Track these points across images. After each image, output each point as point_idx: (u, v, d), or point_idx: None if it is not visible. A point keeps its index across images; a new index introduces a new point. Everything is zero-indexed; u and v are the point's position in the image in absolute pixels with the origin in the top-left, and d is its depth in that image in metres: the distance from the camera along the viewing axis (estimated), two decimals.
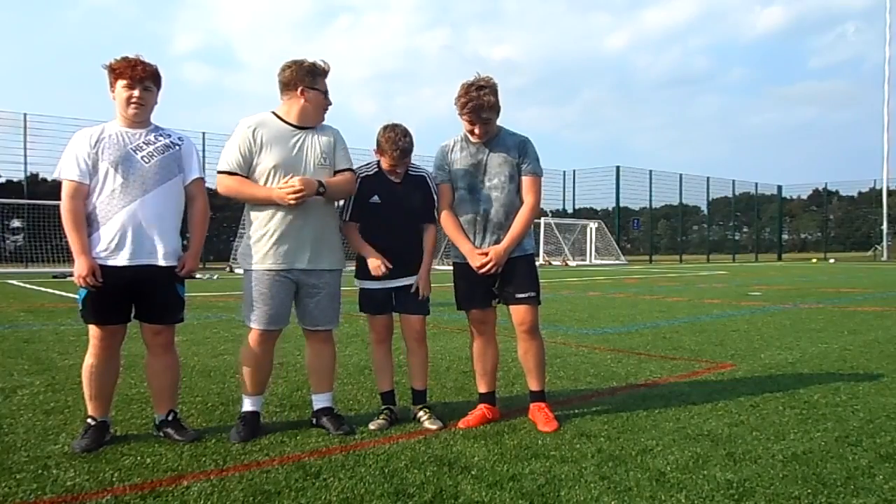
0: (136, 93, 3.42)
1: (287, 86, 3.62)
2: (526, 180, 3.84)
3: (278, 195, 3.48)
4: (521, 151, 3.83)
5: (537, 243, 31.28)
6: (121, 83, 3.42)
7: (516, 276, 3.82)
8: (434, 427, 3.69)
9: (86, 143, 3.38)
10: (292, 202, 3.47)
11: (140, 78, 3.42)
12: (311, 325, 3.74)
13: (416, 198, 3.84)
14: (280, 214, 3.55)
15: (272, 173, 3.53)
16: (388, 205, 3.79)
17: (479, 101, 3.65)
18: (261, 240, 3.57)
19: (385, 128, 3.79)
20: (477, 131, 3.75)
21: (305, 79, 3.60)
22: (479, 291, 3.86)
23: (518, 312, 3.85)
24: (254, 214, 3.62)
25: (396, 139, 3.72)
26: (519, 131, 3.93)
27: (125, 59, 3.44)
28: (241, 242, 3.78)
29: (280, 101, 3.68)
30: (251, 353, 3.64)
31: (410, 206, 3.83)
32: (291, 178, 3.49)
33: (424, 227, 3.91)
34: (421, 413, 3.83)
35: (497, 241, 3.79)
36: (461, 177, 3.84)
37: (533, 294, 3.85)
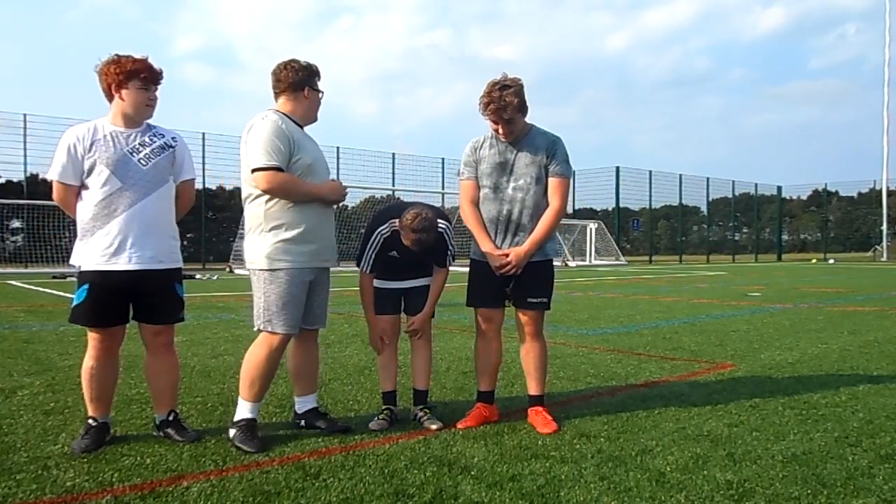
0: (152, 95, 3.44)
1: (295, 86, 3.58)
2: (553, 182, 3.78)
3: (333, 191, 3.59)
4: (550, 152, 3.77)
5: None
6: (135, 83, 3.37)
7: (532, 280, 3.80)
8: (434, 427, 3.69)
9: (78, 145, 3.34)
10: (344, 199, 3.65)
11: (157, 79, 3.45)
12: (311, 324, 3.69)
13: (432, 250, 3.80)
14: (317, 213, 3.54)
15: (307, 171, 3.49)
16: (405, 258, 3.83)
17: (501, 102, 3.60)
18: (297, 238, 3.45)
19: (416, 217, 3.64)
20: (501, 131, 3.72)
21: (312, 81, 3.63)
22: (491, 290, 3.86)
23: (525, 315, 3.85)
24: (285, 212, 3.44)
25: (420, 237, 3.64)
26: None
27: (136, 59, 3.39)
28: (248, 241, 3.57)
29: (279, 101, 3.62)
30: (272, 360, 3.49)
31: (427, 258, 3.87)
32: (334, 181, 3.65)
33: (435, 269, 3.94)
34: (421, 413, 3.83)
35: (519, 243, 3.77)
36: (487, 175, 3.81)
37: (545, 300, 3.85)
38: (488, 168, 3.81)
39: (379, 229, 3.81)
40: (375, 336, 3.95)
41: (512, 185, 3.78)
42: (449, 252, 3.90)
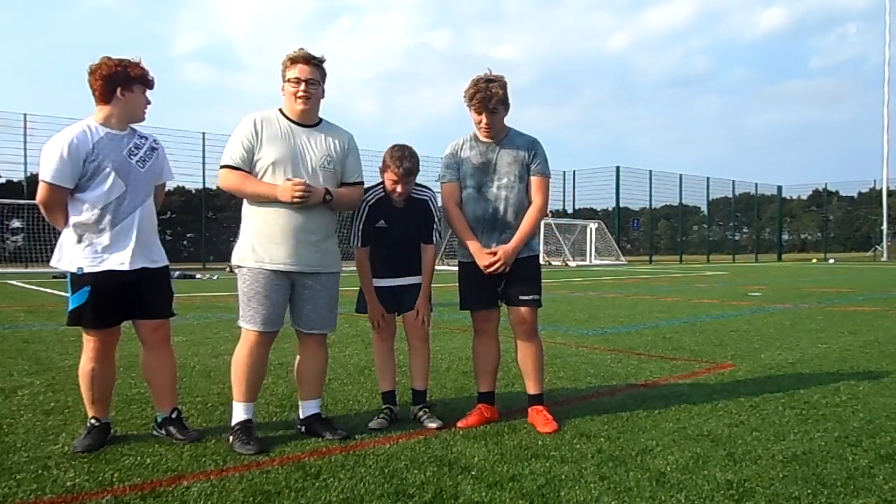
0: (148, 99, 3.49)
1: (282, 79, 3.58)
2: (534, 180, 3.84)
3: (283, 192, 3.39)
4: (531, 152, 3.83)
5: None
6: (139, 87, 3.42)
7: (521, 277, 3.82)
8: (434, 426, 3.69)
9: (80, 147, 3.28)
10: (297, 200, 3.38)
11: (153, 85, 3.49)
12: (306, 328, 3.64)
13: (418, 219, 3.87)
14: (280, 213, 3.45)
15: (271, 169, 3.46)
16: (394, 228, 3.84)
17: (487, 92, 3.66)
18: (258, 238, 3.47)
19: (392, 147, 3.81)
20: (484, 121, 3.74)
21: (283, 73, 3.56)
22: (484, 291, 3.86)
23: (518, 313, 3.85)
24: (252, 211, 3.52)
25: (402, 157, 3.75)
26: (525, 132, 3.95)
27: (137, 63, 3.42)
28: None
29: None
30: (245, 356, 3.52)
31: (415, 226, 3.88)
32: (296, 179, 3.44)
33: (423, 248, 3.92)
34: (421, 413, 3.83)
35: (505, 241, 3.79)
36: (470, 175, 3.84)
37: (536, 297, 3.86)
38: (470, 168, 3.83)
39: (365, 198, 3.84)
40: (376, 313, 3.90)
41: (496, 184, 3.81)
42: (435, 225, 3.92)
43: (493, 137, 3.83)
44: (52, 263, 3.50)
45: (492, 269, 3.75)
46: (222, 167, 3.51)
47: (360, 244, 3.87)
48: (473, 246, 3.80)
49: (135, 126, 3.54)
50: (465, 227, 3.84)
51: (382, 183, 3.86)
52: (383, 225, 3.84)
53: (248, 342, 3.53)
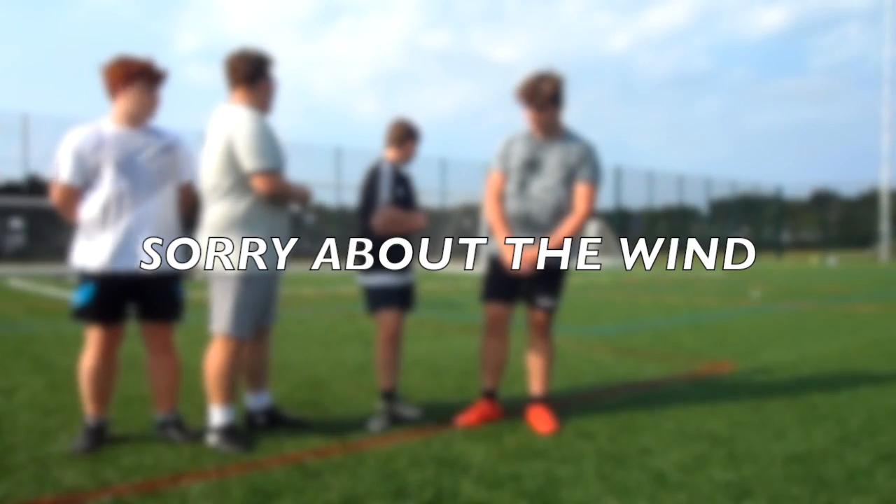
0: (154, 96, 3.43)
1: (253, 77, 3.46)
2: (580, 187, 3.75)
3: (307, 192, 3.61)
4: (582, 156, 3.76)
5: None
6: (138, 85, 3.37)
7: (547, 281, 3.80)
8: (412, 413, 3.89)
9: (84, 146, 3.33)
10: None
11: (159, 81, 3.44)
12: (270, 321, 3.74)
13: (414, 188, 4.12)
14: (280, 215, 3.52)
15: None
16: (408, 199, 4.00)
17: (535, 88, 3.64)
18: (273, 241, 3.45)
19: (402, 120, 4.02)
20: (529, 116, 3.72)
21: (264, 71, 3.50)
22: (505, 287, 3.85)
23: (536, 314, 3.86)
24: (262, 216, 3.41)
25: (416, 127, 4.05)
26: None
27: (140, 60, 3.39)
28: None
29: (235, 93, 3.48)
30: (236, 363, 3.50)
31: (414, 194, 4.10)
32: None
33: None
34: (396, 405, 3.96)
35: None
36: (516, 170, 3.79)
37: (554, 304, 3.87)
38: (517, 163, 3.79)
39: (381, 170, 3.95)
40: (420, 218, 4.06)
41: (538, 184, 3.76)
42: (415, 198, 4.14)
43: (543, 134, 3.79)
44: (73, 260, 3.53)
45: (514, 268, 3.71)
46: (271, 172, 3.33)
47: (388, 198, 3.91)
48: (501, 243, 3.76)
49: (155, 123, 3.53)
50: (501, 221, 3.79)
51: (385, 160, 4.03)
52: (402, 194, 3.96)
53: (232, 350, 3.48)
